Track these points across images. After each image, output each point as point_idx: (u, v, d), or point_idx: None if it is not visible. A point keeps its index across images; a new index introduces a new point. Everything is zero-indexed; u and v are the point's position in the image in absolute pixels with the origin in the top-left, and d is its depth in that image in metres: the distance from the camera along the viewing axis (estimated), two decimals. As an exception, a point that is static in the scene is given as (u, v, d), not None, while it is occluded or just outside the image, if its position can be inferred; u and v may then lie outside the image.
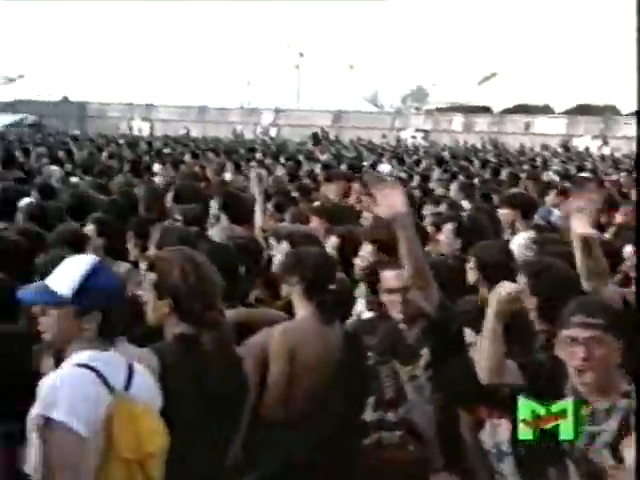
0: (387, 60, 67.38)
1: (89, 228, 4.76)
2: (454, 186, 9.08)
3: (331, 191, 8.83)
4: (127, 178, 9.05)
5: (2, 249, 4.15)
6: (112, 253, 4.65)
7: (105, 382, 2.45)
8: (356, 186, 8.78)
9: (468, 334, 3.05)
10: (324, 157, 16.86)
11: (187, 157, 14.62)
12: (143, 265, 4.36)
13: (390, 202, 2.95)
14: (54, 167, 12.19)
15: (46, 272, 3.74)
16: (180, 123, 42.91)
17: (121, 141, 23.36)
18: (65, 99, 53.02)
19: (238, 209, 6.26)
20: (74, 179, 9.20)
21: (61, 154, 14.47)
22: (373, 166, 14.33)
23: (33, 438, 2.44)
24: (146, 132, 39.67)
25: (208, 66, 68.09)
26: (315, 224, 5.87)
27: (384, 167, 14.07)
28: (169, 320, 2.93)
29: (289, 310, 3.76)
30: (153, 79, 63.86)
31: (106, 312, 2.54)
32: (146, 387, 2.63)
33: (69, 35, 72.76)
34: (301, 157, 16.02)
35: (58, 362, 2.79)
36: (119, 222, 5.02)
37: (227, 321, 3.01)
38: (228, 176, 11.40)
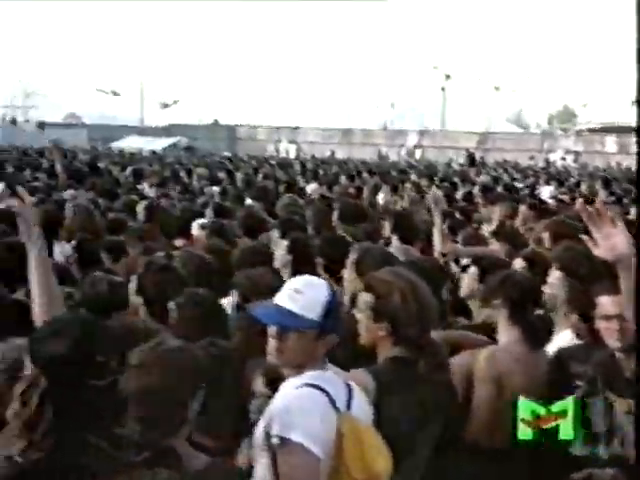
0: (533, 81, 65.91)
1: (283, 244, 4.78)
2: (635, 210, 8.66)
3: (495, 213, 8.62)
4: (292, 199, 9.15)
5: (198, 266, 4.29)
6: (298, 271, 4.65)
7: (332, 402, 2.43)
8: (523, 208, 8.53)
9: None
10: (481, 179, 16.53)
11: (342, 178, 14.72)
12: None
13: (612, 242, 2.52)
14: (215, 187, 12.59)
15: (244, 289, 3.87)
16: (325, 145, 43.40)
17: (272, 162, 23.80)
18: (216, 122, 54.89)
19: (408, 230, 6.20)
20: (248, 201, 9.40)
21: (221, 175, 14.89)
22: (532, 188, 13.91)
23: (261, 456, 2.42)
24: (292, 154, 40.33)
25: (352, 88, 68.97)
26: (494, 247, 5.74)
27: (545, 189, 13.62)
28: (383, 343, 2.88)
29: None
30: (299, 102, 65.34)
31: (339, 335, 2.53)
32: (363, 408, 2.59)
33: (221, 63, 75.68)
34: (456, 179, 15.79)
35: (271, 382, 2.79)
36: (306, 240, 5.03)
37: (442, 344, 2.93)
38: (382, 197, 11.39)
